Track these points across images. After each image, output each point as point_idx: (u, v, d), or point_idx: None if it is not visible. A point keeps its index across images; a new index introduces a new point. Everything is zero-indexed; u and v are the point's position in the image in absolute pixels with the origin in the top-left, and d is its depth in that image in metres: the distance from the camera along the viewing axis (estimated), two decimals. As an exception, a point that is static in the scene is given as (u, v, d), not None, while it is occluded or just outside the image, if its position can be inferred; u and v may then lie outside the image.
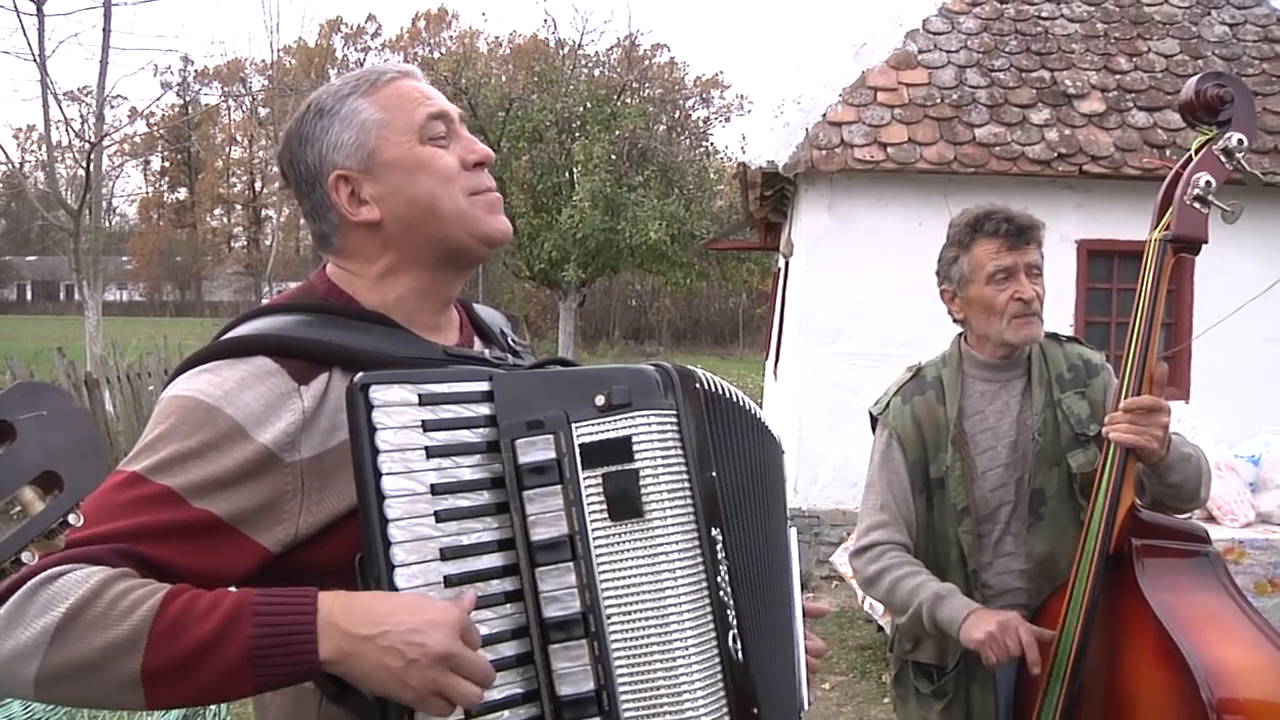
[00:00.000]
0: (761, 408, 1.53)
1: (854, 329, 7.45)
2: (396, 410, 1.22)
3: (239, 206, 53.32)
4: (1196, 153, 2.11)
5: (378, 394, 1.21)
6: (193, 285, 51.29)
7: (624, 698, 1.23)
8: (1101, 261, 7.43)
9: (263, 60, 41.40)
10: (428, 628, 1.14)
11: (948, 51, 7.76)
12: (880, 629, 5.30)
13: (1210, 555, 2.10)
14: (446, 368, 1.34)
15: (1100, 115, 7.44)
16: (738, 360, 28.36)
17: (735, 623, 1.31)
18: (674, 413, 1.29)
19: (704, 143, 24.17)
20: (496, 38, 43.24)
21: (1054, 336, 2.51)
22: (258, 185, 52.02)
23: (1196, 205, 2.09)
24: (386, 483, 1.19)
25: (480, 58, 25.19)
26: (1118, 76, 7.65)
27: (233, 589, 1.20)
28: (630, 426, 1.26)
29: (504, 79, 20.64)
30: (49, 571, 1.13)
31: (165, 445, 1.23)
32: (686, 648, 1.25)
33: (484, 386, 1.29)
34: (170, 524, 1.20)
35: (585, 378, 1.32)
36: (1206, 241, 2.14)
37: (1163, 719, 1.94)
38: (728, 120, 34.91)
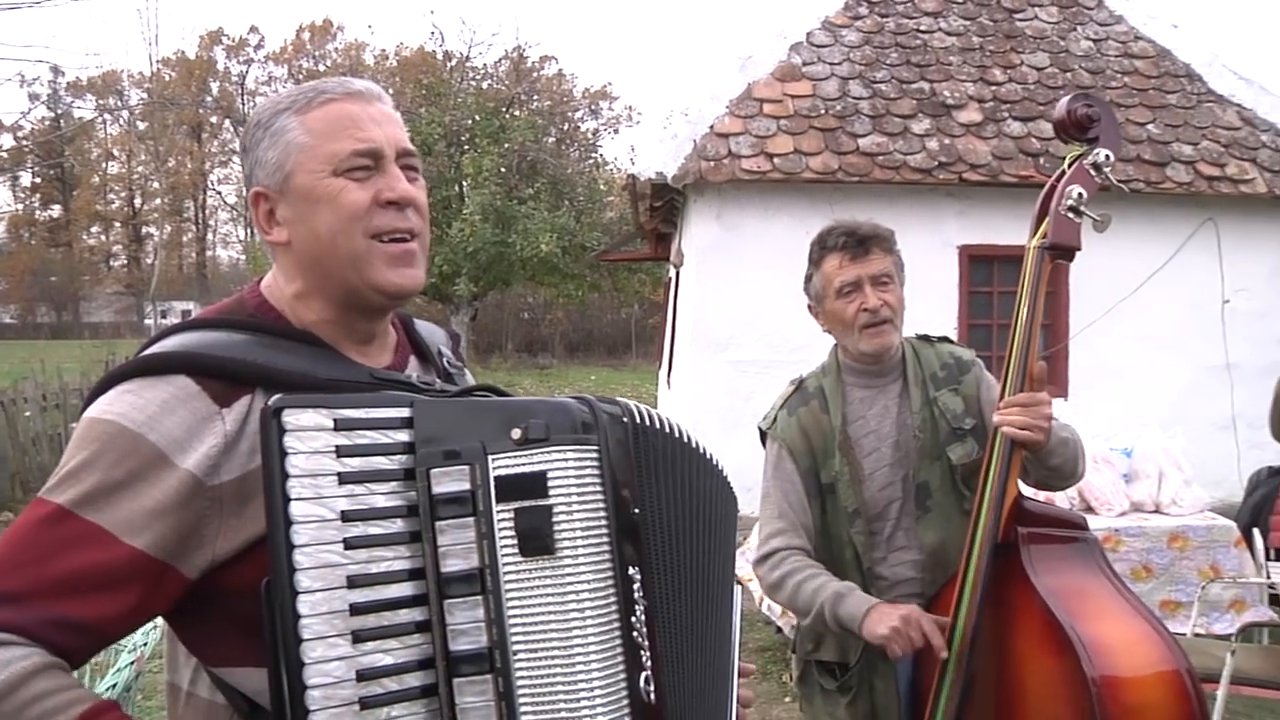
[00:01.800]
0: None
1: (744, 336, 7.55)
2: (309, 435, 1.21)
3: (118, 224, 51.57)
4: (1069, 166, 2.24)
5: (290, 418, 1.19)
6: (69, 306, 49.33)
7: None
8: (982, 265, 7.68)
9: (140, 72, 40.15)
10: None
11: (831, 64, 7.94)
12: (779, 630, 5.39)
13: (1089, 540, 2.22)
14: (368, 393, 1.31)
15: (978, 125, 7.70)
16: (631, 370, 28.32)
17: (649, 664, 1.28)
18: (595, 449, 1.26)
19: (593, 154, 24.25)
20: (383, 50, 42.72)
21: (924, 338, 2.61)
22: (137, 202, 50.42)
23: (1070, 215, 2.21)
24: (294, 508, 1.18)
25: (367, 70, 24.84)
26: (993, 88, 7.93)
27: None
28: (546, 462, 1.23)
29: (391, 92, 20.41)
30: None
31: (89, 474, 1.21)
32: (592, 687, 1.22)
33: (404, 413, 1.27)
34: (100, 567, 1.18)
35: (506, 409, 1.29)
36: (1080, 249, 2.26)
37: (1049, 694, 2.04)
38: (616, 132, 34.99)
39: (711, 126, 7.44)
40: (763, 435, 2.60)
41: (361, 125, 1.34)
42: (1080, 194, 2.22)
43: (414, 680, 1.24)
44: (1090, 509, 5.27)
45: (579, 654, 1.23)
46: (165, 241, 42.18)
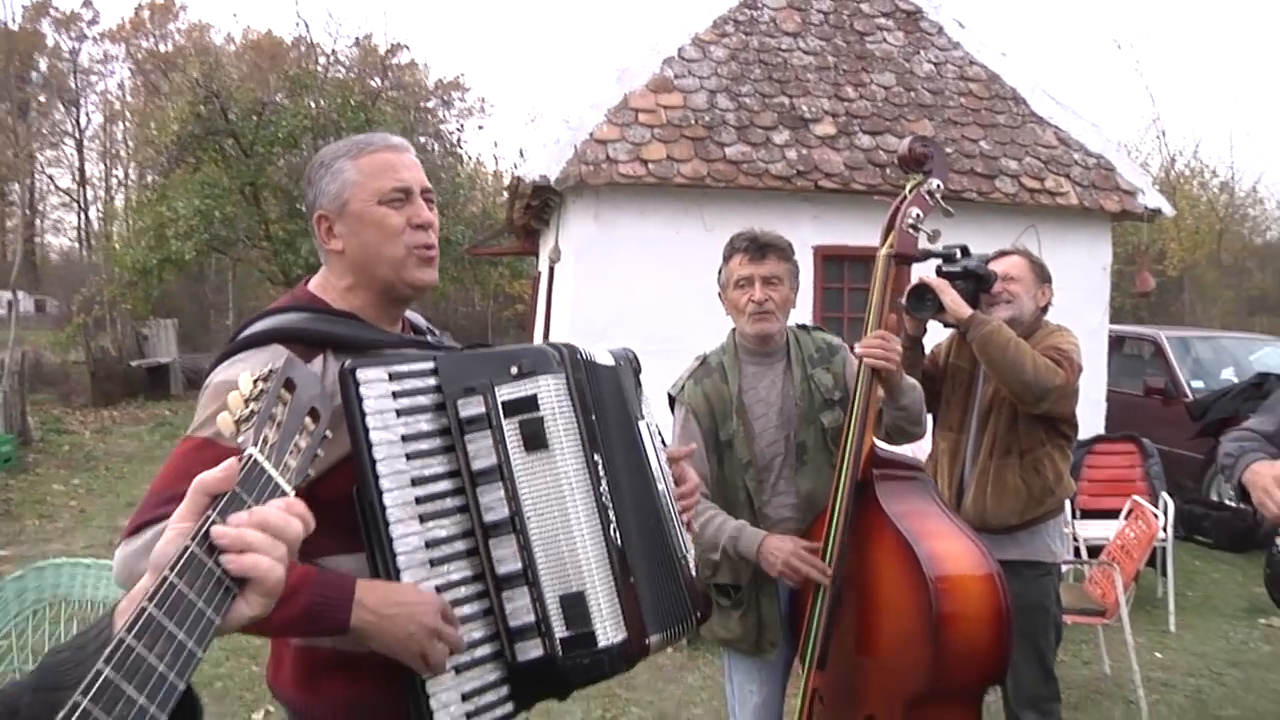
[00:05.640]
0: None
1: (618, 328, 8.00)
2: (375, 384, 1.72)
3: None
4: (910, 193, 2.89)
5: (361, 374, 1.71)
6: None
7: (542, 572, 1.75)
8: (834, 264, 8.40)
9: (-46, 45, 37.73)
10: (425, 611, 1.66)
11: (700, 78, 8.49)
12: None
13: (924, 479, 2.86)
14: (403, 350, 1.86)
15: (832, 138, 8.39)
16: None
17: (614, 519, 1.83)
18: (564, 377, 1.81)
19: (457, 149, 24.36)
20: (229, 34, 41.54)
21: (803, 327, 3.20)
22: (-41, 185, 47.49)
23: (910, 230, 2.86)
24: (372, 435, 1.69)
25: (212, 53, 24.27)
26: (846, 104, 8.63)
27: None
28: (535, 388, 1.78)
29: (253, 85, 20.07)
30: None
31: None
32: (584, 537, 1.77)
33: (430, 365, 1.79)
34: None
35: (502, 355, 1.84)
36: (918, 257, 2.90)
37: (899, 594, 2.64)
38: (462, 128, 34.72)
39: (591, 133, 7.93)
40: (671, 401, 3.14)
41: (398, 170, 1.90)
42: (918, 214, 2.86)
43: (461, 545, 1.77)
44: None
45: (572, 515, 1.78)
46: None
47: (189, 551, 0.90)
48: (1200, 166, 23.27)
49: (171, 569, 0.88)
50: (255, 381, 1.03)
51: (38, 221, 50.16)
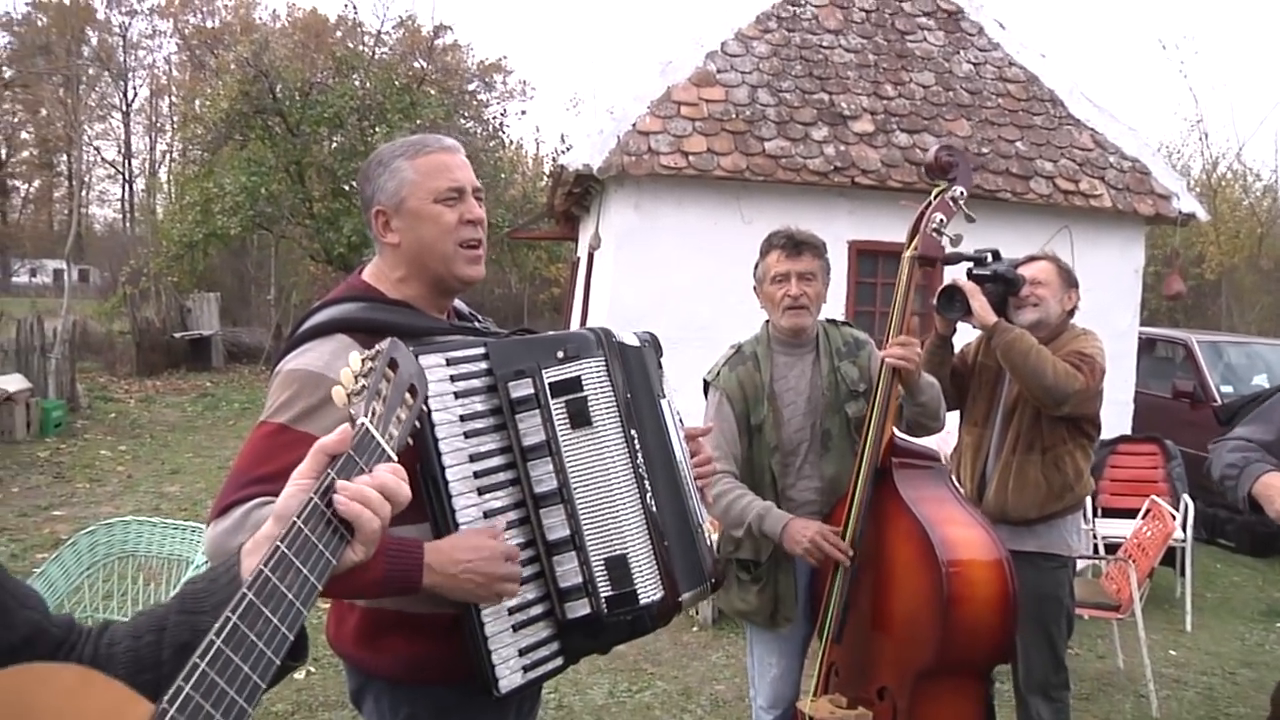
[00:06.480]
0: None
1: (656, 315, 8.16)
2: (434, 369, 1.88)
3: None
4: (934, 198, 3.05)
5: (422, 360, 1.82)
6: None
7: (589, 538, 1.93)
8: (868, 259, 8.52)
9: (7, 14, 38.18)
10: (488, 561, 1.83)
11: (742, 72, 8.63)
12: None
13: (940, 469, 3.04)
14: (455, 337, 2.02)
15: (870, 135, 8.51)
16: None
17: (650, 488, 2.01)
18: (604, 359, 1.99)
19: (499, 134, 24.55)
20: (274, 11, 41.73)
21: (832, 321, 3.38)
22: (2, 153, 48.20)
23: (934, 234, 3.03)
24: (434, 416, 1.86)
25: (271, 34, 24.59)
26: (885, 102, 8.74)
27: None
28: (579, 370, 1.96)
29: (301, 64, 20.35)
30: (258, 500, 1.75)
31: (296, 403, 1.86)
32: (626, 504, 1.96)
33: (481, 350, 1.96)
34: None
35: (548, 340, 2.02)
36: (941, 258, 3.07)
37: (913, 575, 2.82)
38: (505, 111, 34.74)
39: (634, 124, 8.10)
40: (706, 386, 3.34)
41: (452, 170, 2.05)
42: (941, 219, 3.03)
43: (514, 515, 1.94)
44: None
45: (614, 486, 1.96)
46: (34, 196, 40.56)
47: (313, 503, 1.10)
48: (1243, 170, 23.08)
49: (299, 516, 1.08)
50: (364, 360, 1.23)
51: (83, 193, 50.66)
